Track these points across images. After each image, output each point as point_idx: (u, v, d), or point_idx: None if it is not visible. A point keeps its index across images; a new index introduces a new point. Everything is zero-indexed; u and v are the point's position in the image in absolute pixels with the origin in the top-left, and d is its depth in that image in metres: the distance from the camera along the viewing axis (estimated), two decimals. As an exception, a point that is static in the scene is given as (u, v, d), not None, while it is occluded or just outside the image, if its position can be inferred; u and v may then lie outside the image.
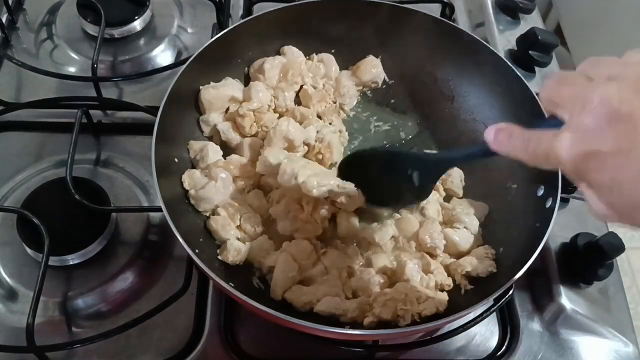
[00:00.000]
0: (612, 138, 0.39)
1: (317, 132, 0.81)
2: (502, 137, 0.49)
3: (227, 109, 0.83)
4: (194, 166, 0.78)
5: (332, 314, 0.67)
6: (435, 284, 0.70)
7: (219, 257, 0.71)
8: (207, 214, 0.75)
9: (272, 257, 0.71)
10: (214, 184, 0.74)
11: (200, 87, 0.80)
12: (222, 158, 0.78)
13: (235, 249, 0.71)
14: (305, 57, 0.89)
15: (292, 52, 0.87)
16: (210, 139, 0.82)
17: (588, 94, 0.40)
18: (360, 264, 0.74)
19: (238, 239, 0.73)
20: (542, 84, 0.93)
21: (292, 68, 0.85)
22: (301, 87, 0.87)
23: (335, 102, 0.87)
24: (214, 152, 0.77)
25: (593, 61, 0.44)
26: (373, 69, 0.88)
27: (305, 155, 0.80)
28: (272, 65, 0.85)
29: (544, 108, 0.47)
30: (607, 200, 0.42)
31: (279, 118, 0.83)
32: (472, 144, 0.64)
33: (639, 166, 0.38)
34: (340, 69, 0.89)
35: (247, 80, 0.86)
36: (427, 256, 0.73)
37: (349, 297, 0.70)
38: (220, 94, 0.81)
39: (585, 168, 0.41)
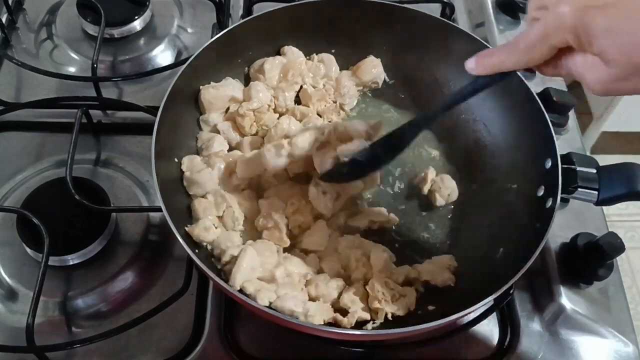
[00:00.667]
0: None
1: None
2: (484, 59, 0.52)
3: (227, 109, 0.83)
4: (198, 153, 0.79)
5: (292, 311, 0.65)
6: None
7: (186, 228, 0.70)
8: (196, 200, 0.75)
9: (237, 248, 0.69)
10: (210, 170, 0.75)
11: (201, 87, 0.81)
12: (225, 150, 0.79)
13: (205, 227, 0.71)
14: (306, 57, 0.89)
15: (292, 52, 0.87)
16: None
17: None
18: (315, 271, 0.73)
19: (213, 225, 0.72)
20: (542, 84, 0.94)
21: (292, 68, 0.85)
22: (301, 87, 0.87)
23: (335, 102, 0.87)
24: (219, 143, 0.78)
25: None
26: (373, 69, 0.88)
27: None
28: (272, 65, 0.85)
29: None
30: (602, 47, 0.45)
31: (279, 118, 0.83)
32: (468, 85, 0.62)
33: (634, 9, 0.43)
34: (341, 69, 0.89)
35: (247, 80, 0.86)
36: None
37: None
38: (220, 93, 0.81)
39: (586, 20, 0.45)
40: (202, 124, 0.82)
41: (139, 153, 0.87)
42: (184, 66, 0.76)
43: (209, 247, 0.71)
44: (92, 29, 0.97)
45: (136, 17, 0.98)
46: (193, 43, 1.01)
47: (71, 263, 0.75)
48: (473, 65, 0.52)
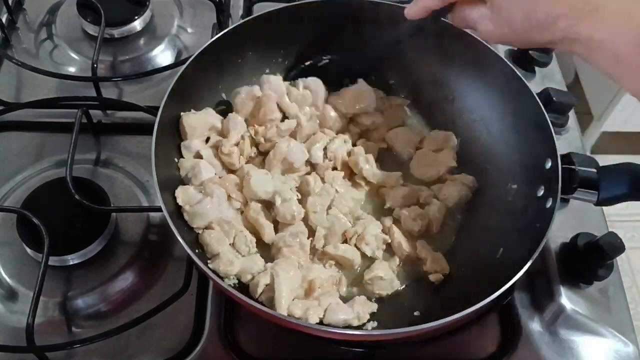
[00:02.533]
0: None
1: (325, 149, 0.80)
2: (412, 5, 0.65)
3: (208, 138, 0.80)
4: (184, 184, 0.75)
5: (345, 320, 0.66)
6: None
7: (210, 266, 0.68)
8: (200, 231, 0.72)
9: (267, 274, 0.68)
10: (210, 199, 0.71)
11: (182, 113, 0.78)
12: (215, 175, 0.76)
13: (229, 260, 0.69)
14: (291, 80, 0.87)
15: (270, 84, 0.83)
16: None
17: None
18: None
19: (235, 255, 0.71)
20: (542, 84, 0.94)
21: (264, 105, 0.81)
22: (284, 117, 0.84)
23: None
24: (206, 170, 0.75)
25: None
26: (360, 102, 0.85)
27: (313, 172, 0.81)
28: (245, 96, 0.82)
29: None
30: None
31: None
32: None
33: None
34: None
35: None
36: None
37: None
38: (202, 119, 0.78)
39: None
40: (184, 150, 0.78)
41: (139, 153, 0.87)
42: (184, 66, 0.75)
43: (234, 278, 0.70)
44: (92, 29, 0.97)
45: (136, 17, 0.98)
46: (193, 43, 1.01)
47: (71, 263, 0.74)
48: (409, 11, 0.69)
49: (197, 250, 0.68)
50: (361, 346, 0.71)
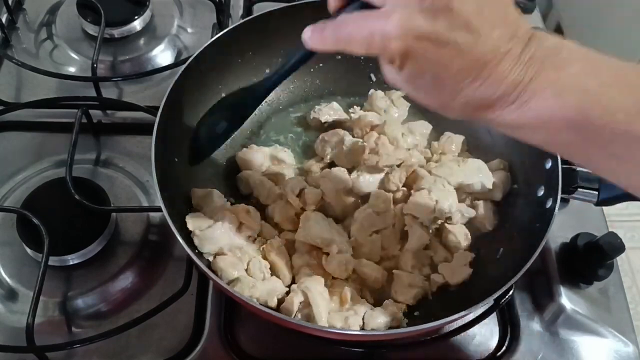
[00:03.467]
0: (439, 25, 0.43)
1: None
2: (316, 33, 0.50)
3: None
4: (193, 209, 0.75)
5: (387, 323, 0.67)
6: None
7: (233, 289, 0.67)
8: (210, 258, 0.70)
9: (298, 293, 0.67)
10: (220, 224, 0.70)
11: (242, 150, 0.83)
12: (227, 204, 0.75)
13: (252, 284, 0.67)
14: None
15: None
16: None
17: None
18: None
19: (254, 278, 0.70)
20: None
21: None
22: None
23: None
24: (218, 197, 0.75)
25: None
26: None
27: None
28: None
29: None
30: (408, 79, 0.47)
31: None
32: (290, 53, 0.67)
33: (449, 55, 0.43)
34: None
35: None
36: None
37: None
38: (253, 155, 0.82)
39: (408, 50, 0.44)
40: (239, 182, 0.81)
41: (139, 153, 0.87)
42: (184, 66, 0.76)
43: (257, 300, 0.68)
44: (92, 29, 0.97)
45: (136, 17, 0.98)
46: (193, 43, 1.01)
47: (71, 263, 0.74)
48: (308, 35, 0.52)
49: (196, 251, 0.67)
50: (361, 346, 0.71)
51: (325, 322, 0.66)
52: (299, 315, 0.67)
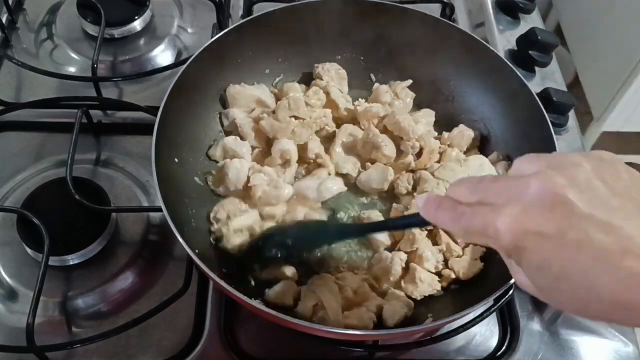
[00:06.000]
0: (553, 220, 0.39)
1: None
2: (432, 207, 0.48)
3: (253, 109, 0.84)
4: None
5: (401, 316, 0.68)
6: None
7: (269, 297, 0.70)
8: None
9: (309, 297, 0.68)
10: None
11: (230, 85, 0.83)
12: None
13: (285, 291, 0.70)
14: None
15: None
16: (228, 133, 0.83)
17: (530, 180, 0.41)
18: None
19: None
20: (542, 84, 0.93)
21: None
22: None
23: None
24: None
25: (531, 156, 0.45)
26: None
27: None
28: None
29: (461, 195, 0.46)
30: (532, 277, 0.43)
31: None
32: (405, 215, 0.68)
33: (571, 248, 0.39)
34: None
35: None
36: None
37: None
38: (245, 91, 0.83)
39: (521, 246, 0.41)
40: (223, 117, 0.83)
41: (139, 153, 0.87)
42: (184, 66, 0.76)
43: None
44: (92, 29, 0.97)
45: (136, 17, 0.98)
46: (193, 43, 1.01)
47: (71, 263, 0.74)
48: (422, 205, 0.49)
49: (196, 250, 0.67)
50: (361, 346, 0.71)
51: (341, 324, 0.66)
52: (315, 319, 0.67)
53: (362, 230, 0.74)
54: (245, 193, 0.77)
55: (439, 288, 0.71)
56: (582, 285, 0.39)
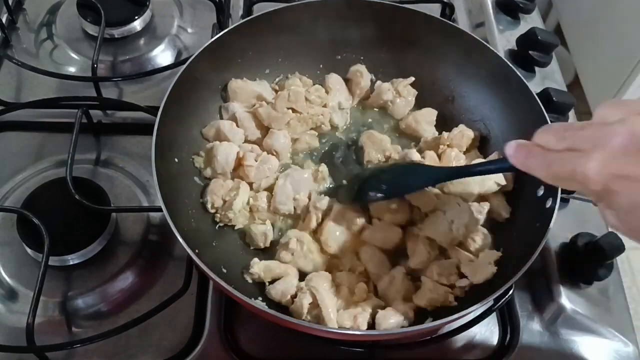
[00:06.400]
0: (638, 164, 0.42)
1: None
2: (522, 154, 0.51)
3: (254, 105, 0.84)
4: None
5: (398, 323, 0.67)
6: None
7: (271, 292, 0.70)
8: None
9: (306, 294, 0.68)
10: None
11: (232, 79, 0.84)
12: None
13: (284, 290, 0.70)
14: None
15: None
16: None
17: (616, 127, 0.43)
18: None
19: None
20: (542, 84, 0.93)
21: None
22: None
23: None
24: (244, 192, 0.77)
25: (614, 102, 0.47)
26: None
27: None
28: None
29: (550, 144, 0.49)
30: (622, 219, 0.45)
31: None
32: (492, 160, 0.67)
33: None
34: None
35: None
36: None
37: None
38: (247, 86, 0.83)
39: (610, 190, 0.44)
40: (223, 111, 0.84)
41: (139, 153, 0.87)
42: (184, 66, 0.76)
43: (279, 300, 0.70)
44: (92, 29, 0.97)
45: (136, 17, 0.98)
46: (193, 43, 1.01)
47: (71, 263, 0.75)
48: (512, 153, 0.53)
49: (196, 250, 0.67)
50: (361, 346, 0.71)
51: (335, 323, 0.66)
52: (309, 317, 0.67)
53: (451, 174, 0.73)
54: (234, 174, 0.78)
55: (451, 299, 0.69)
56: None
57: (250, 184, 0.78)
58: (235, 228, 0.76)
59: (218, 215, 0.76)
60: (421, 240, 0.73)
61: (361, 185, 0.76)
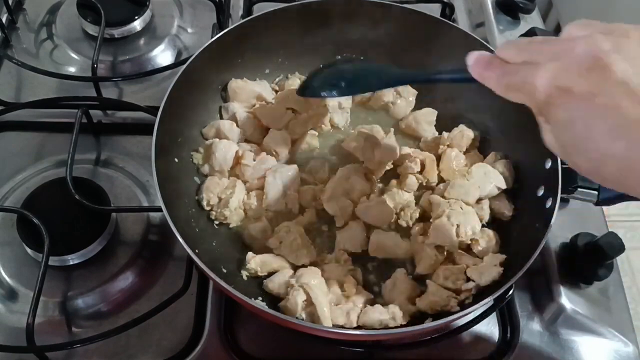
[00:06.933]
0: (587, 81, 0.42)
1: None
2: (480, 65, 0.51)
3: (254, 105, 0.85)
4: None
5: (380, 321, 0.67)
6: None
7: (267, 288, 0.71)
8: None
9: (299, 291, 0.68)
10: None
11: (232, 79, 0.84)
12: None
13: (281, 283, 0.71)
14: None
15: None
16: None
17: (576, 42, 0.43)
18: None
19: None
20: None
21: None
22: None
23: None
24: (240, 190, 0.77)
25: (584, 23, 0.46)
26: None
27: None
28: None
29: (505, 55, 0.49)
30: (557, 136, 0.45)
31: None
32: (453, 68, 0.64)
33: (597, 111, 0.41)
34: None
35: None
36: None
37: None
38: (247, 86, 0.83)
39: (553, 102, 0.43)
40: (223, 111, 0.84)
41: (139, 153, 0.87)
42: (184, 66, 0.75)
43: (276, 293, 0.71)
44: (92, 29, 0.97)
45: (136, 17, 0.98)
46: (193, 43, 1.01)
47: (71, 263, 0.74)
48: (471, 63, 0.52)
49: (196, 250, 0.67)
50: (361, 346, 0.71)
51: (329, 321, 0.66)
52: (303, 314, 0.67)
53: (410, 77, 0.73)
54: (230, 172, 0.79)
55: (453, 304, 0.68)
56: (600, 148, 0.42)
57: (246, 183, 0.78)
58: (230, 227, 0.76)
59: (213, 212, 0.76)
60: (428, 246, 0.73)
61: (315, 77, 0.73)
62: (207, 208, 0.76)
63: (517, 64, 0.47)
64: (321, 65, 0.75)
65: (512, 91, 0.47)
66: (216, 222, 0.76)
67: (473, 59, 0.51)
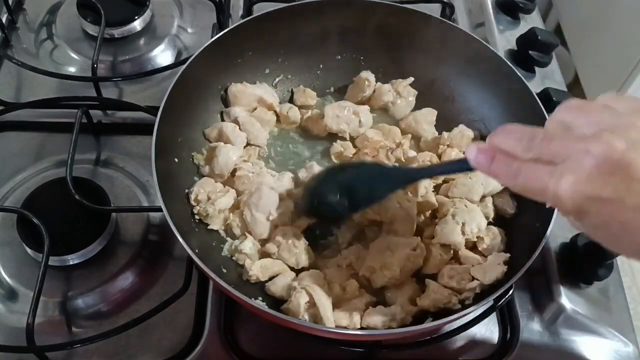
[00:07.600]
0: (613, 186, 0.42)
1: None
2: (484, 159, 0.49)
3: (255, 108, 0.85)
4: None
5: (383, 323, 0.66)
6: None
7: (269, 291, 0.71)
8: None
9: (302, 293, 0.67)
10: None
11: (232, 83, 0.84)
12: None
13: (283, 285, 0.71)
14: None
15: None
16: None
17: (589, 145, 0.43)
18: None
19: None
20: (542, 84, 0.93)
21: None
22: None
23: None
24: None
25: (576, 107, 0.46)
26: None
27: None
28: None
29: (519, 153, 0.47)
30: (590, 232, 0.46)
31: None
32: (454, 160, 0.65)
33: (630, 212, 0.42)
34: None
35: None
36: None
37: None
38: (247, 90, 0.83)
39: (583, 209, 0.44)
40: (225, 115, 0.84)
41: (139, 153, 0.87)
42: (184, 66, 0.76)
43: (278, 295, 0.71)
44: (92, 29, 0.97)
45: (136, 17, 0.98)
46: (193, 43, 1.01)
47: (71, 263, 0.75)
48: (473, 157, 0.50)
49: (196, 250, 0.67)
50: (361, 346, 0.71)
51: (333, 322, 0.66)
52: (306, 316, 0.67)
53: (413, 176, 0.69)
54: (228, 179, 0.78)
55: (455, 301, 0.68)
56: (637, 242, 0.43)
57: (238, 195, 0.77)
58: (209, 227, 0.74)
59: (197, 208, 0.74)
60: (433, 245, 0.73)
61: (313, 195, 0.71)
62: (193, 203, 0.74)
63: (526, 162, 0.46)
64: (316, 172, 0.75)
65: (532, 194, 0.46)
66: (197, 218, 0.74)
67: (473, 152, 0.50)
